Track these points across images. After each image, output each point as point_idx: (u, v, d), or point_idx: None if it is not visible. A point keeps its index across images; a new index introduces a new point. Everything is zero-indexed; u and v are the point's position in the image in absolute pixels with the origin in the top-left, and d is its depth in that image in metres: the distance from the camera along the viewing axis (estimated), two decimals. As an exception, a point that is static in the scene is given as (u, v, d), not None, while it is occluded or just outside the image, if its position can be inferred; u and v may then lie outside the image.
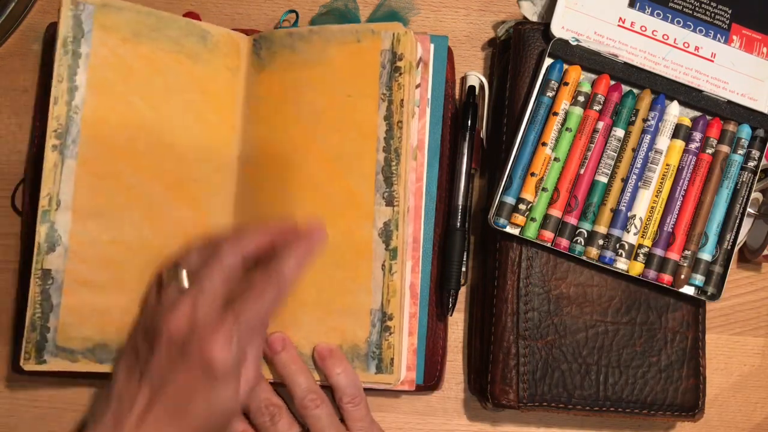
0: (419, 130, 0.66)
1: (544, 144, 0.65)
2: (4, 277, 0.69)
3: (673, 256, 0.65)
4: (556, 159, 0.65)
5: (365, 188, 0.63)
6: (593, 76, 0.67)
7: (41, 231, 0.62)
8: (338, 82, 0.65)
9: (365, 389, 0.63)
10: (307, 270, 0.61)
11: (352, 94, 0.64)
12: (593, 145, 0.65)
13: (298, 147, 0.65)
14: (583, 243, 0.64)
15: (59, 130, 0.63)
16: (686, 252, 0.65)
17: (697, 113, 0.67)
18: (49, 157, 0.62)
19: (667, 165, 0.65)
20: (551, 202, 0.65)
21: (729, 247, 0.65)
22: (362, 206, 0.63)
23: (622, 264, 0.65)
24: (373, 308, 0.62)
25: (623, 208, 0.65)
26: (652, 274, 0.64)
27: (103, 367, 0.63)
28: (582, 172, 0.65)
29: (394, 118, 0.63)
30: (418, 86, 0.66)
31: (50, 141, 0.62)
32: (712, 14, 0.68)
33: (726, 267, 0.65)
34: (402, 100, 0.63)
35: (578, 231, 0.65)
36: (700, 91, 0.66)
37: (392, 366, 0.62)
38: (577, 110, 0.65)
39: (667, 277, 0.65)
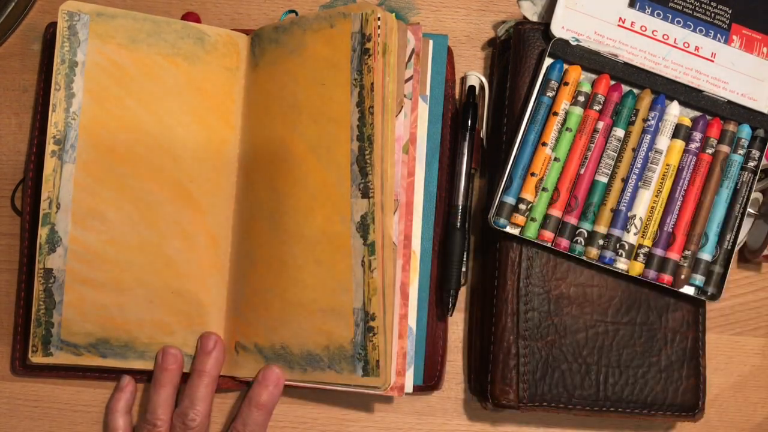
0: (411, 124, 0.66)
1: (544, 144, 0.65)
2: (4, 277, 0.69)
3: (674, 256, 0.65)
4: (556, 159, 0.65)
5: (341, 180, 0.63)
6: (593, 76, 0.67)
7: (42, 233, 0.63)
8: (314, 71, 0.64)
9: (355, 393, 0.64)
10: (290, 269, 0.62)
11: (326, 83, 0.64)
12: (593, 145, 0.65)
13: (284, 142, 0.65)
14: (583, 243, 0.64)
15: (58, 137, 0.63)
16: (686, 252, 0.65)
17: (697, 113, 0.67)
18: (49, 162, 0.63)
19: (667, 165, 0.65)
20: (551, 202, 0.65)
21: (729, 247, 0.65)
22: (338, 199, 0.62)
23: (622, 264, 0.65)
24: (355, 307, 0.62)
25: (623, 208, 0.65)
26: (652, 274, 0.64)
27: (106, 361, 0.64)
28: (582, 172, 0.65)
29: (365, 104, 0.62)
30: (409, 79, 0.66)
31: (49, 147, 0.63)
32: (712, 14, 0.68)
33: (726, 267, 0.65)
34: (372, 84, 0.62)
35: (578, 231, 0.64)
36: (700, 91, 0.66)
37: (378, 369, 0.61)
38: (577, 110, 0.65)
39: (667, 277, 0.65)
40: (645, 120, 0.66)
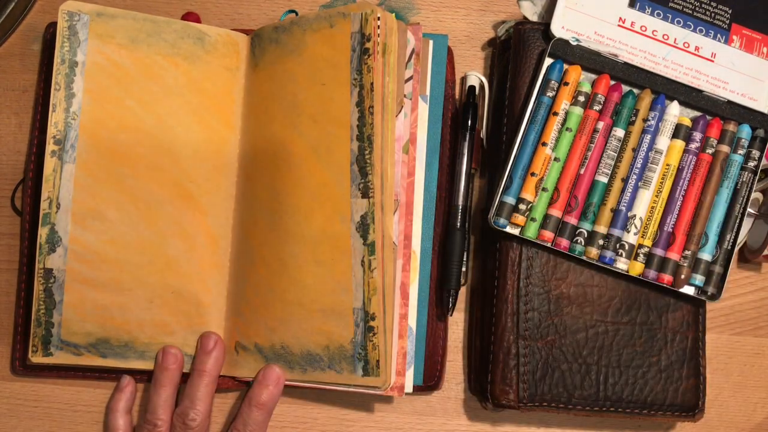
0: (411, 124, 0.66)
1: (544, 144, 0.65)
2: (4, 277, 0.69)
3: (674, 256, 0.65)
4: (556, 159, 0.65)
5: (341, 180, 0.62)
6: (593, 76, 0.67)
7: (42, 233, 0.63)
8: (313, 70, 0.64)
9: (355, 393, 0.64)
10: (290, 269, 0.62)
11: (326, 82, 0.64)
12: (593, 145, 0.65)
13: (284, 142, 0.65)
14: (583, 243, 0.64)
15: (58, 136, 0.63)
16: (686, 252, 0.65)
17: (697, 113, 0.67)
18: (49, 162, 0.63)
19: (667, 165, 0.65)
20: (551, 202, 0.65)
21: (729, 247, 0.65)
22: (338, 199, 0.62)
23: (622, 264, 0.65)
24: (355, 307, 0.62)
25: (623, 208, 0.65)
26: (652, 274, 0.64)
27: (106, 361, 0.64)
28: (582, 172, 0.65)
29: (365, 103, 0.62)
30: (409, 79, 0.66)
31: (49, 147, 0.63)
32: (713, 14, 0.68)
33: (726, 267, 0.65)
34: (372, 84, 0.62)
35: (578, 231, 0.64)
36: (700, 91, 0.66)
37: (378, 368, 0.61)
38: (577, 110, 0.65)
39: (667, 277, 0.65)
40: (645, 120, 0.66)
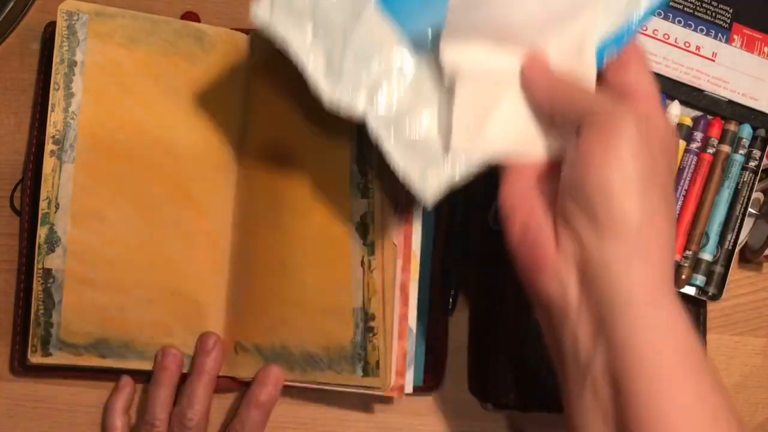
0: None
1: (544, 144, 0.65)
2: (3, 277, 0.69)
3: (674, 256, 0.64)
4: (556, 159, 0.65)
5: (340, 180, 0.62)
6: (594, 76, 0.66)
7: (41, 233, 0.63)
8: None
9: (355, 393, 0.64)
10: (289, 269, 0.62)
11: None
12: (594, 145, 0.65)
13: (283, 141, 0.65)
14: (583, 243, 0.64)
15: (57, 136, 0.63)
16: (687, 252, 0.65)
17: (698, 113, 0.67)
18: (48, 162, 0.63)
19: (668, 165, 0.65)
20: (552, 202, 0.64)
21: (730, 248, 0.65)
22: (338, 199, 0.62)
23: (622, 264, 0.64)
24: (355, 307, 0.62)
25: (624, 208, 0.64)
26: (652, 274, 0.64)
27: (105, 361, 0.64)
28: (582, 172, 0.65)
29: None
30: None
31: (48, 147, 0.63)
32: (713, 13, 0.68)
33: (727, 267, 0.65)
34: None
35: (579, 231, 0.64)
36: (701, 91, 0.66)
37: (378, 369, 0.61)
38: (578, 110, 0.65)
39: (667, 278, 0.64)
40: (646, 120, 0.65)
